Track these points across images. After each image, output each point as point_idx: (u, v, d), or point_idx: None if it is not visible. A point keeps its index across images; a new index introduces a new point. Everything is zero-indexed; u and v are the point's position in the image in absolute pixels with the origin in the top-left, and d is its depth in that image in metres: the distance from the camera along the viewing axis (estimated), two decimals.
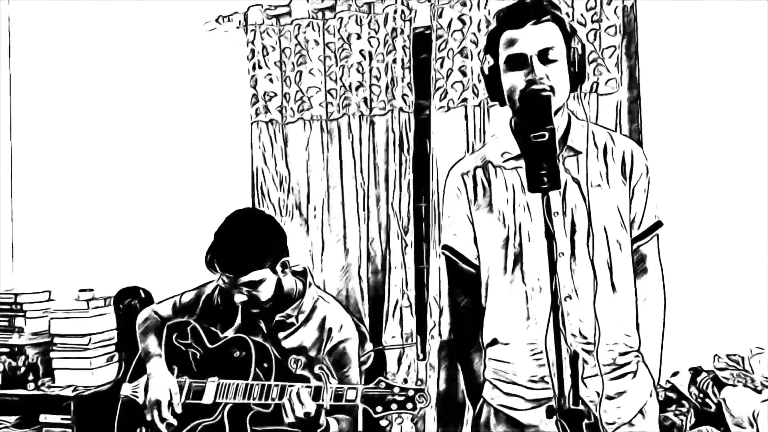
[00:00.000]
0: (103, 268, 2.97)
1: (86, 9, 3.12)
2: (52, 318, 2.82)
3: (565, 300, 1.40)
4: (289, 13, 2.80)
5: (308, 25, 2.77)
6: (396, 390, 1.60)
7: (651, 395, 1.49)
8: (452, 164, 1.57)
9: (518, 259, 1.44)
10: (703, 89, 2.41)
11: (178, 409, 1.80)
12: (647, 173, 1.48)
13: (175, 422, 1.79)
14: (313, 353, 1.81)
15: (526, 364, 1.45)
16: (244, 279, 1.75)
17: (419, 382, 1.61)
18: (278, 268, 1.80)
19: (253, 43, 2.84)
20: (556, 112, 1.36)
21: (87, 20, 3.12)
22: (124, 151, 3.06)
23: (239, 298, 1.77)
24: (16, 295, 2.96)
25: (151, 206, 2.98)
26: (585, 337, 1.40)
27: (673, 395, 2.21)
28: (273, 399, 1.71)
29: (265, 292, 1.78)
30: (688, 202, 2.36)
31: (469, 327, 1.53)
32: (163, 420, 1.80)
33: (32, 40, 3.24)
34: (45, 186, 3.18)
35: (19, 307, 2.93)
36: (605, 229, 1.43)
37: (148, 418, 1.82)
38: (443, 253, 1.56)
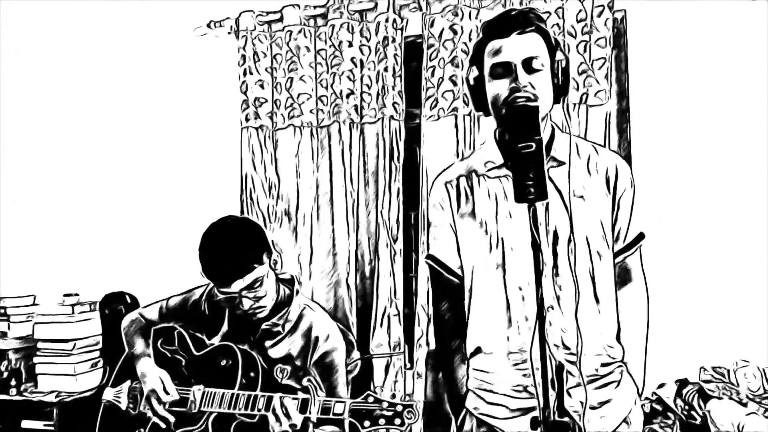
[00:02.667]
0: (88, 273, 2.94)
1: (78, 13, 3.11)
2: (36, 323, 2.79)
3: (548, 310, 1.39)
4: (280, 20, 2.80)
5: (300, 32, 2.77)
6: (384, 405, 1.58)
7: (635, 404, 1.49)
8: (437, 173, 1.57)
9: (501, 267, 1.44)
10: (691, 100, 2.43)
11: (173, 394, 1.80)
12: (631, 186, 1.48)
13: (176, 397, 1.79)
14: (299, 362, 1.80)
15: (510, 374, 1.44)
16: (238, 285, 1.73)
17: (407, 398, 1.59)
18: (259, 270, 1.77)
19: (244, 48, 2.83)
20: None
21: (78, 24, 3.11)
22: (112, 156, 3.04)
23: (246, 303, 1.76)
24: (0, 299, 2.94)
25: (138, 211, 2.96)
26: (567, 348, 1.40)
27: (659, 407, 2.21)
28: (259, 410, 1.69)
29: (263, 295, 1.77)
30: (675, 213, 2.37)
31: (453, 337, 1.52)
32: (162, 403, 1.80)
33: (23, 42, 3.22)
34: (31, 189, 3.15)
35: (3, 311, 2.90)
36: (587, 239, 1.43)
37: (147, 410, 1.82)
38: (427, 263, 1.56)
